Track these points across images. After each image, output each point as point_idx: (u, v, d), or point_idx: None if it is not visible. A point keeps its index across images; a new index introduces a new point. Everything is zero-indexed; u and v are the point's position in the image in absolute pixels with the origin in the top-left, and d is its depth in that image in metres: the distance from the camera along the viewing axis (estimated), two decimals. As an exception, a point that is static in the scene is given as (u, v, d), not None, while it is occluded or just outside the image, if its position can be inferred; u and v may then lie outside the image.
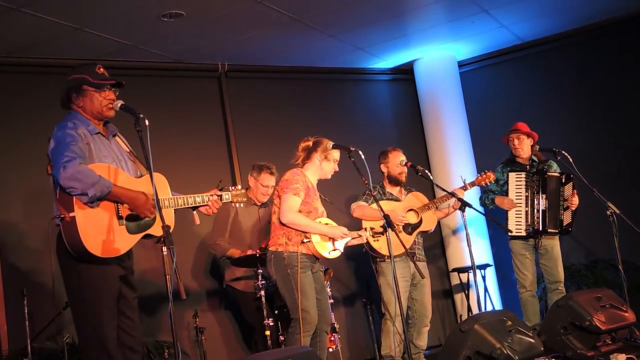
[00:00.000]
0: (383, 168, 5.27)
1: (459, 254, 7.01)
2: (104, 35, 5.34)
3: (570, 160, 5.23)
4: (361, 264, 6.29)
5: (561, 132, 6.94)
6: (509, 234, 5.46)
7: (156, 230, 3.27)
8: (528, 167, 5.52)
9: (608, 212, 5.07)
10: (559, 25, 6.93)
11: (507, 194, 5.51)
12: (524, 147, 5.52)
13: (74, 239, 3.08)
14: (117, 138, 3.49)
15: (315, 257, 4.35)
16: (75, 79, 3.33)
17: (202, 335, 5.30)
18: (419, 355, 5.13)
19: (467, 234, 4.70)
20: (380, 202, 4.99)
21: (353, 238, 4.54)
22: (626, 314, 4.52)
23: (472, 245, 4.72)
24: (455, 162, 7.04)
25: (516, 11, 6.33)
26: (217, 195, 3.58)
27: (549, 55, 7.25)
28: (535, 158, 5.60)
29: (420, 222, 5.16)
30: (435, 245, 7.23)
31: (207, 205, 3.54)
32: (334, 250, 4.40)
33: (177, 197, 3.44)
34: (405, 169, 5.20)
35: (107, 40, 5.43)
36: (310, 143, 4.53)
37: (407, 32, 6.54)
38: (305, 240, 4.24)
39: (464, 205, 4.81)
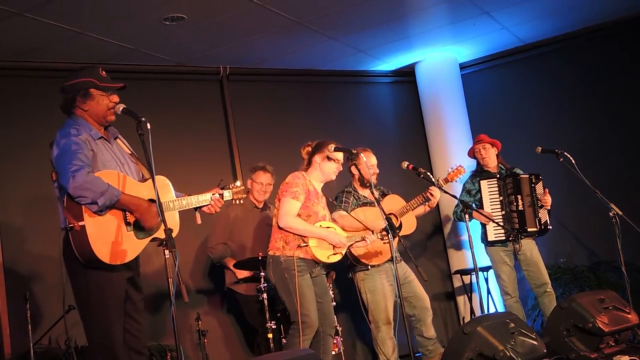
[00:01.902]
0: (353, 170, 5.08)
1: (461, 255, 7.00)
2: (106, 39, 5.35)
3: (573, 161, 5.24)
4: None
5: (562, 134, 6.94)
6: (487, 239, 5.50)
7: (163, 233, 3.27)
8: (497, 174, 5.60)
9: (611, 214, 5.06)
10: (560, 27, 6.93)
11: (481, 203, 5.55)
12: (490, 156, 5.65)
13: (84, 248, 3.08)
14: (118, 140, 3.49)
15: (314, 261, 4.32)
16: (81, 82, 3.31)
17: (205, 338, 5.30)
18: (435, 346, 5.10)
19: (469, 236, 4.69)
20: (358, 210, 4.97)
21: (357, 241, 4.49)
22: (629, 316, 4.52)
23: (475, 247, 4.72)
24: (457, 163, 7.02)
25: (517, 13, 6.33)
26: (219, 194, 3.59)
27: (551, 57, 7.25)
28: (502, 166, 5.71)
29: (401, 226, 5.11)
30: (437, 247, 7.23)
31: (209, 204, 3.55)
32: (334, 254, 4.35)
33: (180, 198, 3.44)
34: (377, 171, 5.15)
35: (109, 44, 5.44)
36: (311, 148, 4.52)
37: (409, 35, 6.54)
38: (302, 245, 4.20)
39: (466, 207, 4.81)
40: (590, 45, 7.06)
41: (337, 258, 4.40)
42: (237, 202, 3.74)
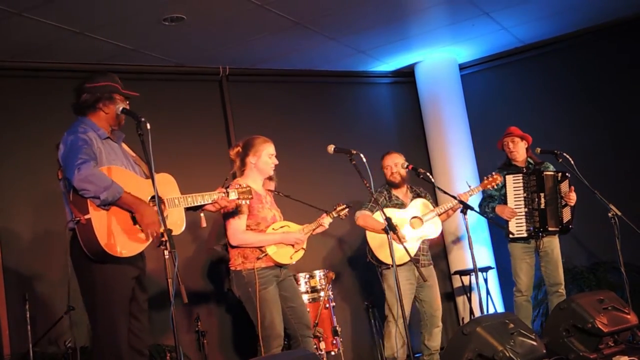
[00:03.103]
0: (383, 172, 5.29)
1: (461, 256, 7.00)
2: (105, 40, 5.35)
3: (572, 162, 5.24)
4: (363, 266, 6.28)
5: (562, 135, 6.94)
6: (510, 236, 5.44)
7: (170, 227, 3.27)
8: (525, 169, 5.53)
9: (610, 214, 5.06)
10: (560, 28, 6.93)
11: (506, 198, 5.52)
12: (519, 150, 5.55)
13: (90, 241, 3.10)
14: (123, 144, 3.53)
15: (279, 266, 4.24)
16: (107, 86, 3.39)
17: (204, 338, 5.30)
18: (432, 356, 5.10)
19: (469, 237, 4.69)
20: (385, 210, 4.99)
21: (314, 229, 4.44)
22: (628, 316, 4.52)
23: (474, 248, 4.72)
24: (457, 164, 7.04)
25: (517, 14, 6.33)
26: (224, 193, 3.62)
27: (550, 57, 7.25)
28: (531, 160, 5.63)
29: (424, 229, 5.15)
30: (437, 247, 7.23)
31: (213, 202, 3.59)
32: (295, 252, 4.29)
33: (186, 196, 3.48)
34: (396, 170, 5.18)
35: (108, 45, 5.44)
36: (240, 148, 4.39)
37: (408, 35, 6.55)
38: (260, 256, 4.13)
39: (466, 208, 4.82)
40: (589, 46, 7.06)
41: (301, 255, 4.32)
42: (244, 202, 3.75)
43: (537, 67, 7.32)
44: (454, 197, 5.00)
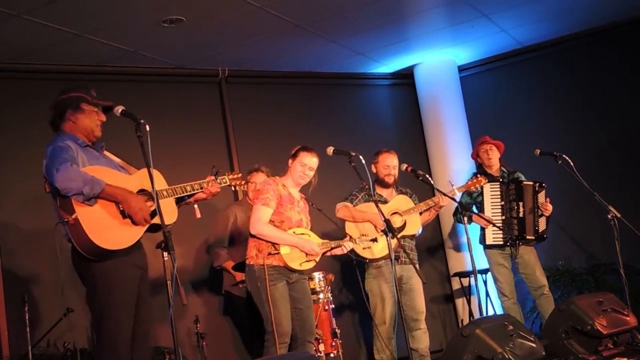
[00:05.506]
0: (373, 169, 5.22)
1: (460, 258, 7.01)
2: (104, 42, 5.35)
3: (572, 164, 5.24)
4: (362, 268, 6.28)
5: (561, 136, 6.95)
6: (486, 242, 5.50)
7: (157, 220, 3.27)
8: (500, 178, 5.59)
9: (609, 216, 5.06)
10: (559, 30, 6.94)
11: (482, 206, 5.55)
12: (495, 158, 5.65)
13: (81, 239, 3.11)
14: (105, 152, 3.53)
15: (288, 269, 4.24)
16: (73, 96, 3.40)
17: (203, 340, 5.29)
18: (423, 358, 5.08)
19: (468, 239, 4.69)
20: (366, 203, 5.04)
21: (332, 248, 4.41)
22: (628, 318, 4.52)
23: (474, 250, 4.72)
24: (456, 166, 7.04)
25: (516, 16, 6.34)
26: (212, 180, 3.65)
27: (549, 59, 7.26)
28: (504, 169, 5.70)
29: (404, 225, 5.12)
30: (436, 249, 7.23)
31: (203, 189, 3.62)
32: (307, 261, 4.28)
33: (174, 186, 3.50)
34: (393, 172, 5.15)
35: (108, 47, 5.44)
36: (293, 151, 4.45)
37: (408, 37, 6.55)
38: (273, 252, 4.14)
39: (464, 209, 4.81)
40: (587, 48, 7.06)
41: (311, 265, 4.32)
42: (234, 188, 3.78)
43: (536, 69, 7.33)
44: (453, 199, 5.00)
